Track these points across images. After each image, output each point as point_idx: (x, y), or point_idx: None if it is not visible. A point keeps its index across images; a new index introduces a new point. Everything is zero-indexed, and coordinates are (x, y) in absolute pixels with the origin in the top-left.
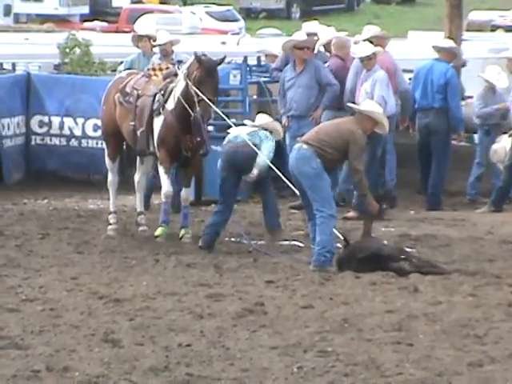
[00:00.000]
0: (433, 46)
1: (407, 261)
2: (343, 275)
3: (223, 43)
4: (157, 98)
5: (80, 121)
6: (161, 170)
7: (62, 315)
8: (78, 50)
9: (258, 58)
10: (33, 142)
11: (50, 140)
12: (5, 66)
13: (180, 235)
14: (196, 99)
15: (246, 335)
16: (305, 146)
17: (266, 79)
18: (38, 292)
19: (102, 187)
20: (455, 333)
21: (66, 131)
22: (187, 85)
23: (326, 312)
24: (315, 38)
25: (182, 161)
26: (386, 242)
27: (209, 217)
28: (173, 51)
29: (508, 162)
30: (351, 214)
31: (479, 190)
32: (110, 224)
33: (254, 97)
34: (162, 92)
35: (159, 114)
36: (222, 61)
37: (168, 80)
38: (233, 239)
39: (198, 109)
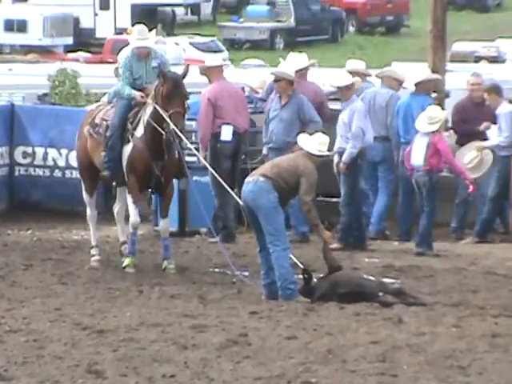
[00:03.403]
0: (414, 84)
1: (387, 295)
2: (327, 306)
3: None
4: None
5: (64, 152)
6: (129, 199)
7: (46, 346)
8: (67, 83)
9: (242, 89)
10: (16, 173)
11: (34, 171)
12: None
13: (163, 267)
14: (166, 114)
15: (230, 366)
16: (262, 179)
17: (249, 110)
18: (22, 323)
19: (85, 218)
20: (439, 364)
21: (50, 162)
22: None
23: (310, 343)
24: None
25: (154, 189)
26: (365, 275)
27: (192, 248)
28: None
29: (491, 193)
30: (335, 245)
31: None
32: (93, 255)
33: None
34: (131, 120)
35: (128, 141)
36: (186, 73)
37: (136, 109)
38: (217, 270)
39: (169, 121)
